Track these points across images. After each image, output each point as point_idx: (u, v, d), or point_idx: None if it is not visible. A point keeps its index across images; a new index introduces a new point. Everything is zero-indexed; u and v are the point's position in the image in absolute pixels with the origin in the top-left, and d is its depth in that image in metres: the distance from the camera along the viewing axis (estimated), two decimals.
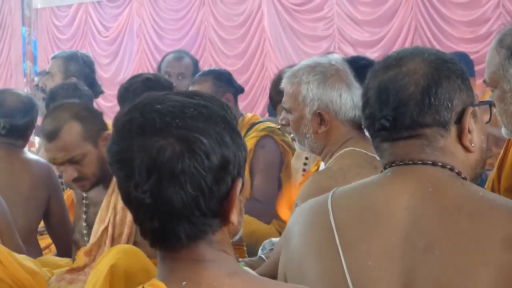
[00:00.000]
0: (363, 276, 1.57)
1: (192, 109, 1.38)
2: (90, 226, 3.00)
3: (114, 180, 2.93)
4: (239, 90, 4.32)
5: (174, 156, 1.34)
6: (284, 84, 2.68)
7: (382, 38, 7.92)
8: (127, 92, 3.57)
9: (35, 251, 3.35)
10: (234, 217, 1.40)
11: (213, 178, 1.35)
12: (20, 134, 3.60)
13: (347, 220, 1.64)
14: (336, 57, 2.89)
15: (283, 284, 1.52)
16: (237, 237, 1.48)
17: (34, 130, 3.78)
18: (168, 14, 9.67)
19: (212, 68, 4.98)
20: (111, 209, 2.91)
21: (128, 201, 1.39)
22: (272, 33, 8.70)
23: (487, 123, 1.75)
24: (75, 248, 3.18)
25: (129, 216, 2.87)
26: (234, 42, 9.03)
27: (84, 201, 3.10)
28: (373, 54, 7.31)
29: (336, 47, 8.07)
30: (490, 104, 1.80)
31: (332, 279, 1.59)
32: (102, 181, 2.96)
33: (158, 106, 1.38)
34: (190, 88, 4.29)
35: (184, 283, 1.37)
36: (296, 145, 2.77)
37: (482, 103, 1.74)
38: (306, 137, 2.63)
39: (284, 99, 2.68)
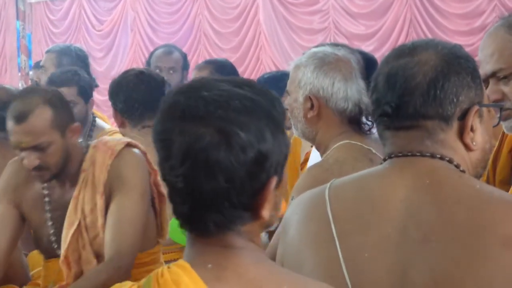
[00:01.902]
0: (359, 267, 1.58)
1: (237, 101, 1.38)
2: (59, 232, 2.84)
3: (80, 180, 2.82)
4: None
5: (211, 145, 1.34)
6: (290, 67, 2.69)
7: (377, 31, 7.92)
8: (119, 86, 3.57)
9: (28, 242, 3.34)
10: (265, 212, 1.40)
11: (247, 173, 1.36)
12: None
13: (344, 211, 1.64)
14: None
15: (304, 277, 1.51)
16: (272, 229, 1.48)
17: None
18: (162, 7, 9.65)
19: (217, 58, 4.97)
20: (79, 212, 2.79)
21: (164, 180, 1.41)
22: (267, 26, 8.69)
23: (494, 126, 1.73)
24: (44, 260, 3.03)
25: (99, 220, 2.77)
26: (229, 36, 9.02)
27: (46, 207, 2.92)
28: (369, 47, 7.31)
29: (331, 40, 8.05)
30: (501, 108, 1.78)
31: (328, 270, 1.60)
32: (61, 174, 2.82)
33: (205, 93, 1.39)
34: (193, 73, 4.34)
35: (210, 265, 1.39)
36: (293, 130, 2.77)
37: (492, 105, 1.71)
38: (298, 120, 2.64)
39: (288, 81, 2.69)
